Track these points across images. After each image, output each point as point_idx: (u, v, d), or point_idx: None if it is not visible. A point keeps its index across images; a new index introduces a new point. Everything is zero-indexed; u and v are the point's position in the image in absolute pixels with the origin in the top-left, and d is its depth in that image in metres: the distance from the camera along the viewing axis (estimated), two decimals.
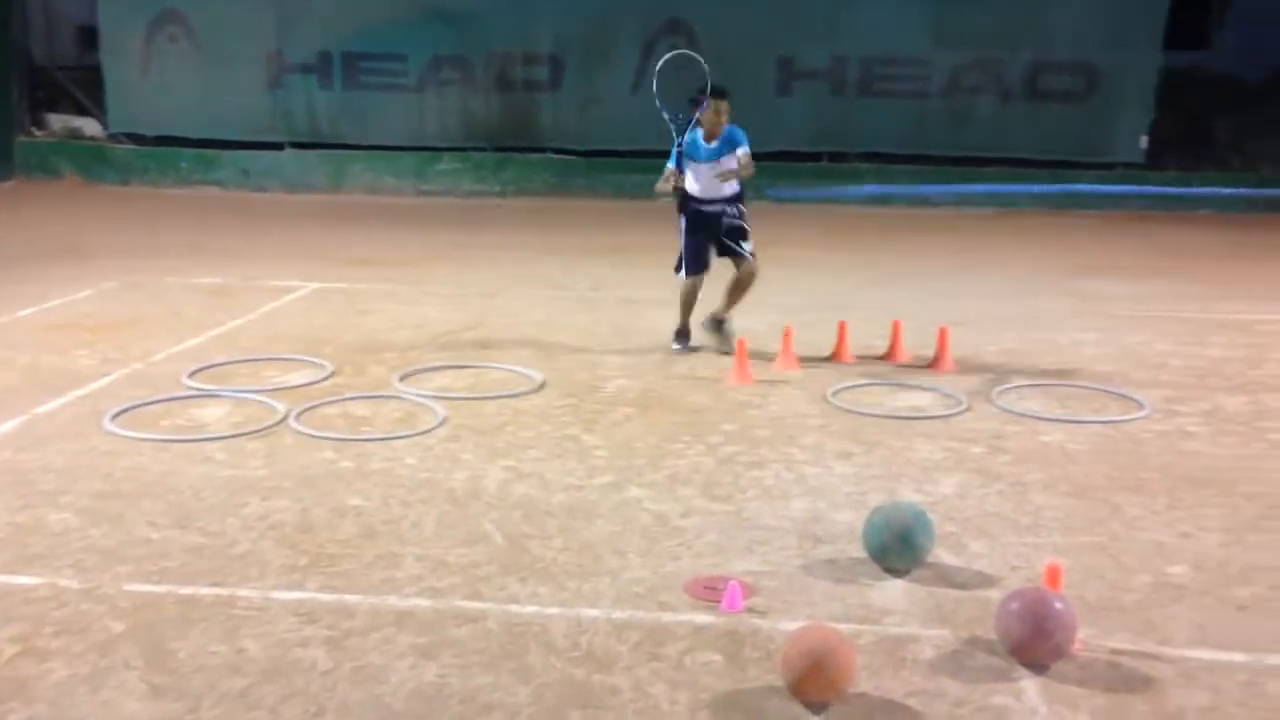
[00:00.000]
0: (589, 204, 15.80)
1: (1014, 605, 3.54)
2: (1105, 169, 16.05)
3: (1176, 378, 7.00)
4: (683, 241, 7.51)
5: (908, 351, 7.34)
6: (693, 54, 7.47)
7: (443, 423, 5.95)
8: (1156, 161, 16.04)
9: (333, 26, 16.93)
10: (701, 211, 7.39)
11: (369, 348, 7.56)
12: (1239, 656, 3.63)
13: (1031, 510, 4.85)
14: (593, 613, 3.89)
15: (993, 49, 16.05)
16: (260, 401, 6.27)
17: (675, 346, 7.58)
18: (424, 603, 3.97)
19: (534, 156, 17.01)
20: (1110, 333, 8.21)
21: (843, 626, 3.68)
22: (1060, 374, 7.07)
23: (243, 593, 4.01)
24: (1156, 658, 3.61)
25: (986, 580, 4.17)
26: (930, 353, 7.23)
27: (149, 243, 12.03)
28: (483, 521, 4.68)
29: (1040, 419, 6.12)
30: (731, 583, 3.96)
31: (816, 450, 5.62)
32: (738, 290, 7.52)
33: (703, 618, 3.86)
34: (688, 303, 7.57)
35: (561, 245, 12.12)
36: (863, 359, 7.35)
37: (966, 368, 7.12)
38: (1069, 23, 15.83)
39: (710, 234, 7.42)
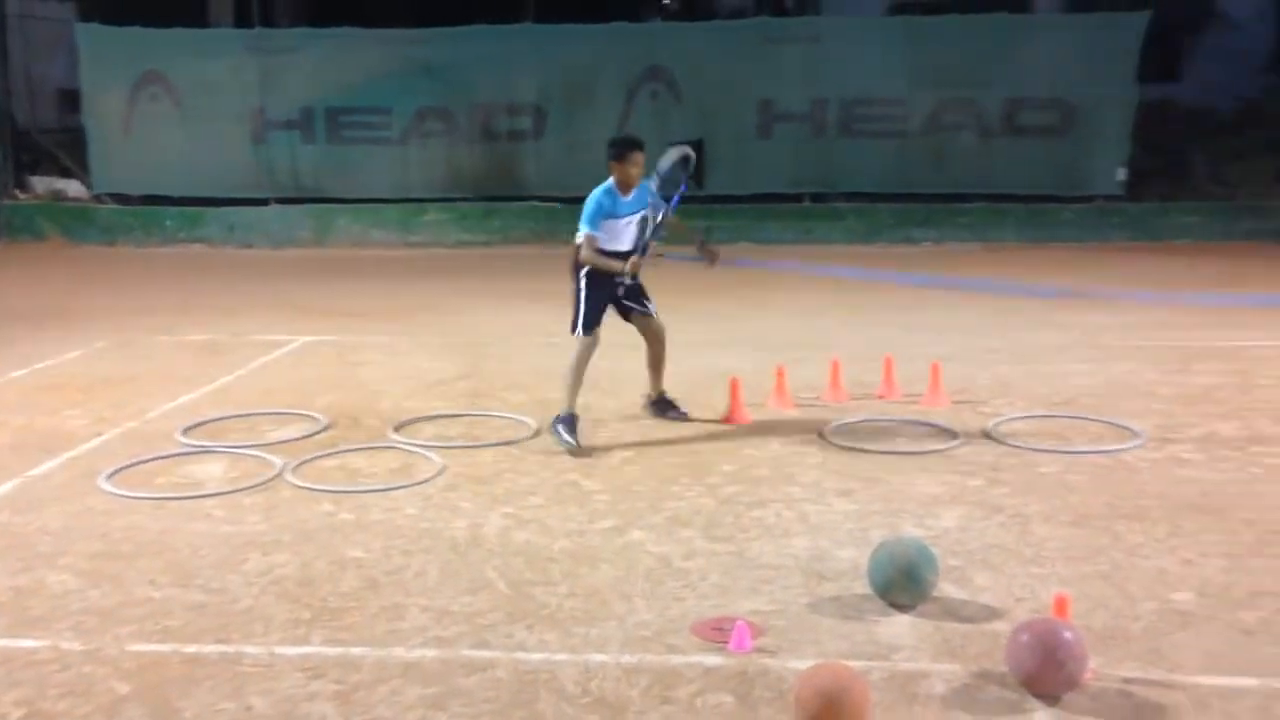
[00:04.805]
0: None
1: (1024, 636, 3.53)
2: (1085, 202, 16.22)
3: (1168, 406, 7.04)
4: (583, 300, 6.62)
5: (900, 387, 7.37)
6: (690, 152, 6.85)
7: (441, 472, 5.94)
8: (1135, 193, 16.22)
9: (315, 82, 17.08)
10: (598, 272, 6.57)
11: (362, 399, 7.55)
12: (1249, 681, 3.64)
13: (1034, 541, 4.86)
14: (601, 658, 3.88)
15: (968, 88, 16.28)
16: (256, 456, 6.26)
17: (565, 438, 6.38)
18: (431, 653, 3.94)
19: (519, 205, 17.10)
20: (1099, 363, 8.26)
21: (853, 664, 3.66)
22: (1053, 405, 7.11)
23: (248, 649, 3.98)
24: (1168, 685, 3.60)
25: (993, 613, 4.17)
26: (923, 388, 7.26)
27: (137, 301, 12.02)
28: (486, 569, 4.67)
29: (1037, 450, 6.14)
30: (739, 623, 3.95)
31: (816, 488, 5.62)
32: (657, 358, 6.93)
33: (712, 659, 3.84)
34: (581, 369, 6.62)
35: (550, 293, 12.11)
36: (856, 396, 7.37)
37: (960, 401, 7.15)
38: (1042, 60, 16.07)
39: (610, 291, 6.65)
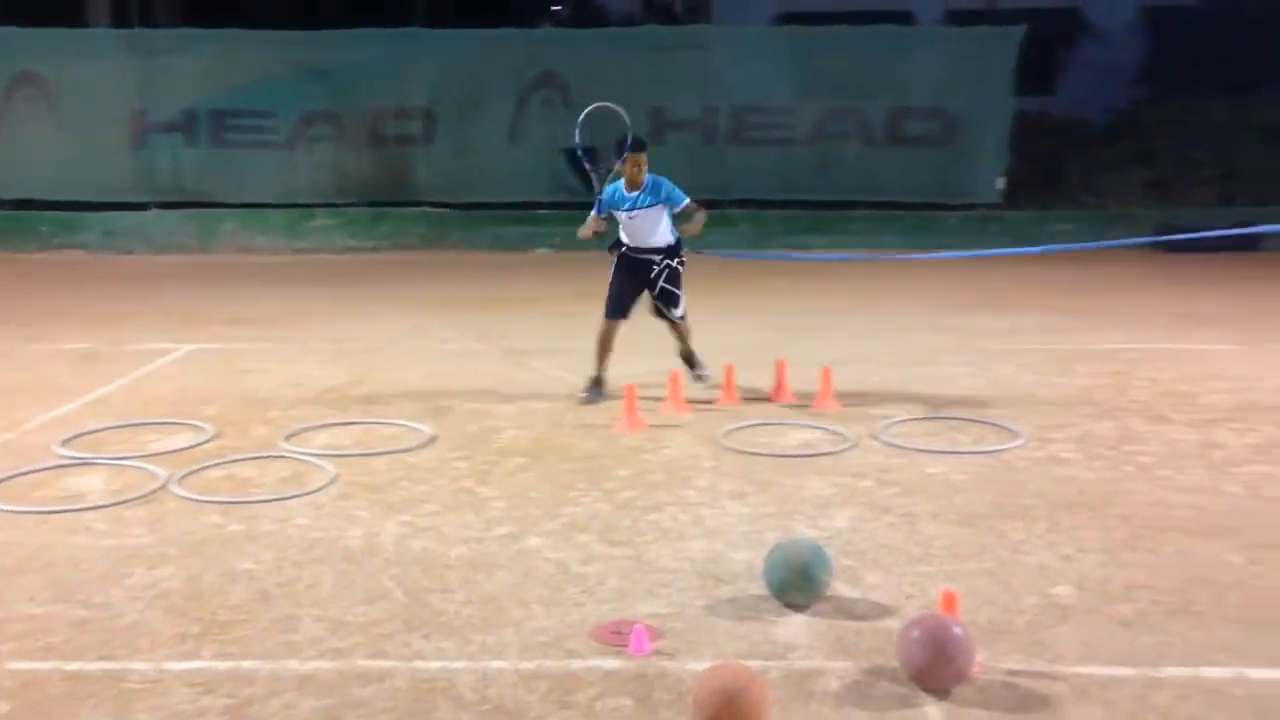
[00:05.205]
0: (465, 257, 15.76)
1: (915, 633, 3.63)
2: (967, 210, 16.67)
3: (1047, 407, 7.28)
4: (610, 281, 7.52)
5: (792, 391, 7.49)
6: (616, 107, 7.61)
7: (333, 481, 5.85)
8: (1014, 201, 16.74)
9: (198, 84, 16.66)
10: (629, 257, 7.46)
11: (251, 408, 7.40)
12: (1127, 671, 3.79)
13: (922, 540, 4.99)
14: (500, 664, 3.87)
15: (853, 97, 16.65)
16: (139, 468, 6.08)
17: (583, 394, 7.44)
18: (326, 665, 3.89)
19: (409, 210, 16.93)
20: (982, 365, 8.51)
21: (749, 664, 3.71)
22: (939, 407, 7.30)
23: (134, 665, 3.88)
24: (1050, 676, 3.74)
25: (884, 610, 4.27)
26: (814, 392, 7.39)
27: (11, 309, 11.55)
28: (382, 578, 4.61)
29: (924, 451, 6.31)
30: (637, 626, 3.98)
31: (711, 491, 5.68)
32: (684, 337, 7.76)
33: (611, 663, 3.86)
34: (603, 347, 7.49)
35: (441, 299, 12.07)
36: (749, 400, 7.47)
37: (850, 405, 7.30)
38: (924, 72, 16.50)
39: (638, 281, 7.45)
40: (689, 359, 7.79)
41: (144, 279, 14.11)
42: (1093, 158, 17.74)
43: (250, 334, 10.06)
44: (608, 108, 7.60)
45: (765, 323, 10.63)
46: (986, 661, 3.79)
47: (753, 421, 6.95)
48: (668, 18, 21.11)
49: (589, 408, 7.31)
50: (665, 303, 7.48)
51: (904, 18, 19.06)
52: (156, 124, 16.83)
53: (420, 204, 16.98)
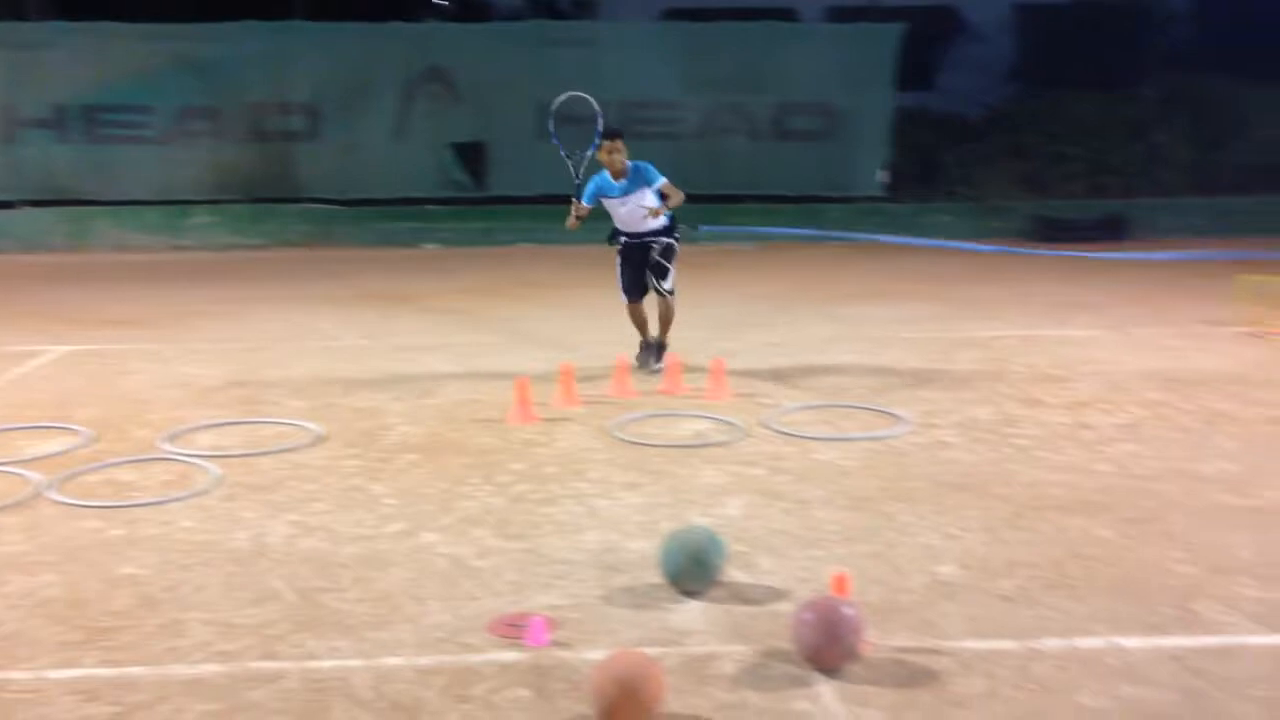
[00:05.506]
0: (352, 253, 15.53)
1: (807, 615, 3.70)
2: (850, 202, 17.01)
3: (931, 393, 7.47)
4: (617, 271, 8.01)
5: (684, 382, 7.56)
6: (586, 96, 7.90)
7: (218, 482, 5.73)
8: (895, 194, 17.14)
9: (69, 78, 16.15)
10: (628, 244, 7.91)
11: (131, 410, 7.19)
12: (1008, 644, 3.92)
13: (813, 525, 5.09)
14: (396, 661, 3.83)
15: (738, 93, 16.85)
16: (13, 473, 5.87)
17: (656, 365, 7.95)
18: (215, 668, 3.80)
19: (292, 207, 16.62)
20: (868, 354, 8.70)
21: (646, 651, 3.75)
22: (828, 395, 7.44)
23: (13, 675, 3.74)
24: (936, 651, 3.85)
25: (777, 594, 4.35)
26: (706, 383, 7.46)
27: None
28: (271, 579, 4.53)
29: (814, 439, 6.43)
30: (534, 618, 3.98)
31: (605, 483, 5.71)
32: (663, 322, 8.06)
33: (508, 655, 3.86)
34: (638, 322, 8.10)
35: (328, 296, 11.87)
36: (642, 392, 7.51)
37: (742, 395, 7.39)
38: (807, 68, 16.79)
39: (640, 263, 7.88)
40: (658, 348, 8.07)
41: (14, 279, 13.60)
42: (968, 152, 18.26)
43: (128, 334, 9.77)
44: (579, 97, 7.95)
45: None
46: (876, 640, 3.89)
47: (645, 413, 6.99)
48: (554, 13, 21.06)
49: (481, 403, 7.26)
50: (656, 275, 7.86)
51: (787, 14, 19.34)
52: (26, 120, 16.28)
53: (304, 200, 16.69)
